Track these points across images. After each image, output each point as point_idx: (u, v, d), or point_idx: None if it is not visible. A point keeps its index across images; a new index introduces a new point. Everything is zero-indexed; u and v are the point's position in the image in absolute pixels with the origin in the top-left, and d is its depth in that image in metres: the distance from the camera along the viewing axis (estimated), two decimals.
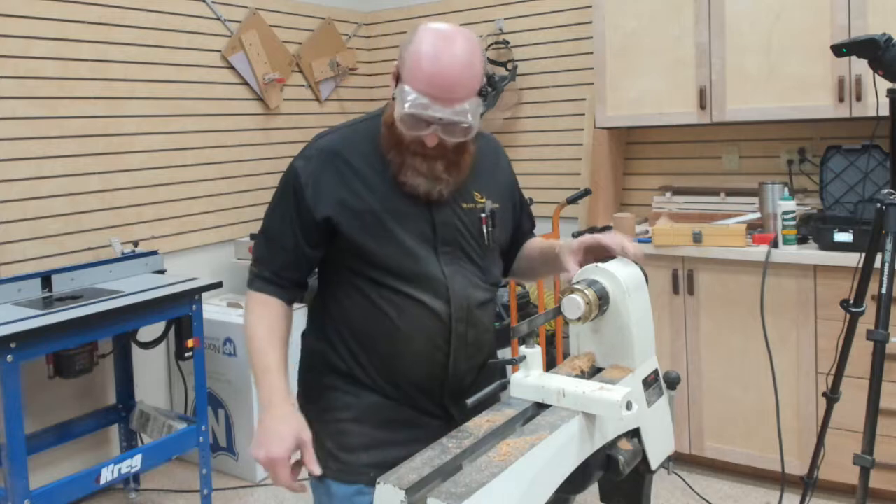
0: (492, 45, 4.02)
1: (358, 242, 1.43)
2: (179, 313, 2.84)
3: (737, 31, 3.04)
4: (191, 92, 3.53)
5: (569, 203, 3.34)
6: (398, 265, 1.43)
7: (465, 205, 1.50)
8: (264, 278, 1.48)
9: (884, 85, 2.11)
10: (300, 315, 1.51)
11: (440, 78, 1.33)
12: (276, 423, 1.34)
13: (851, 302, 2.21)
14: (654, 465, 1.37)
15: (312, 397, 1.54)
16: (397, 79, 1.39)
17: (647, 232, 3.24)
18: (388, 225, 1.43)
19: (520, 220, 1.70)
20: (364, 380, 1.49)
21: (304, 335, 1.61)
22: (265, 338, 1.44)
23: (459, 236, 1.49)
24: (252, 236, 3.56)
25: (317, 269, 1.55)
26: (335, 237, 1.45)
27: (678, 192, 3.54)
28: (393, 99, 1.40)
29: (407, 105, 1.33)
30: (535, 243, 1.73)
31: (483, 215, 1.53)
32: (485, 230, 1.52)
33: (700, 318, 3.02)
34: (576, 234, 3.27)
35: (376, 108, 1.54)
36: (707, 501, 2.90)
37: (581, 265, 1.43)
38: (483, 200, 1.53)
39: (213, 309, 3.35)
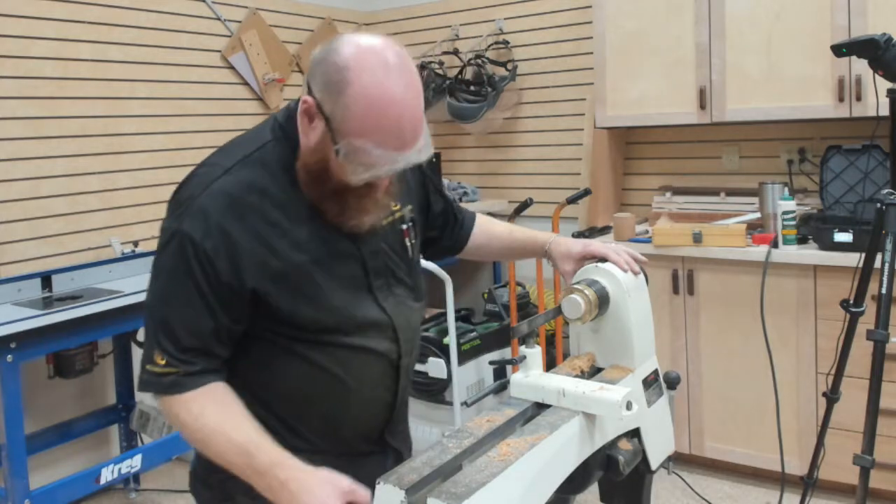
0: (492, 45, 4.02)
1: (287, 309, 1.19)
2: None
3: (737, 31, 3.04)
4: (191, 92, 3.53)
5: (569, 203, 3.34)
6: (336, 321, 1.22)
7: (383, 220, 1.29)
8: (187, 374, 1.15)
9: (884, 85, 2.11)
10: None
11: (403, 126, 1.10)
12: (310, 481, 1.06)
13: (851, 302, 2.21)
14: (654, 465, 1.37)
15: (229, 476, 1.16)
16: (324, 120, 1.12)
17: (647, 232, 3.24)
18: (318, 280, 1.20)
19: (430, 197, 1.49)
20: (299, 446, 1.21)
21: None
22: (229, 420, 1.14)
23: (388, 261, 1.31)
24: None
25: None
26: (258, 306, 1.19)
27: (678, 192, 3.54)
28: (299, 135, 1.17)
29: (375, 165, 1.11)
30: (502, 229, 1.60)
31: (404, 227, 1.35)
32: (408, 243, 1.35)
33: (700, 318, 3.02)
34: (576, 235, 3.27)
35: (258, 131, 1.26)
36: (707, 501, 2.90)
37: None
38: (398, 209, 1.34)
39: None
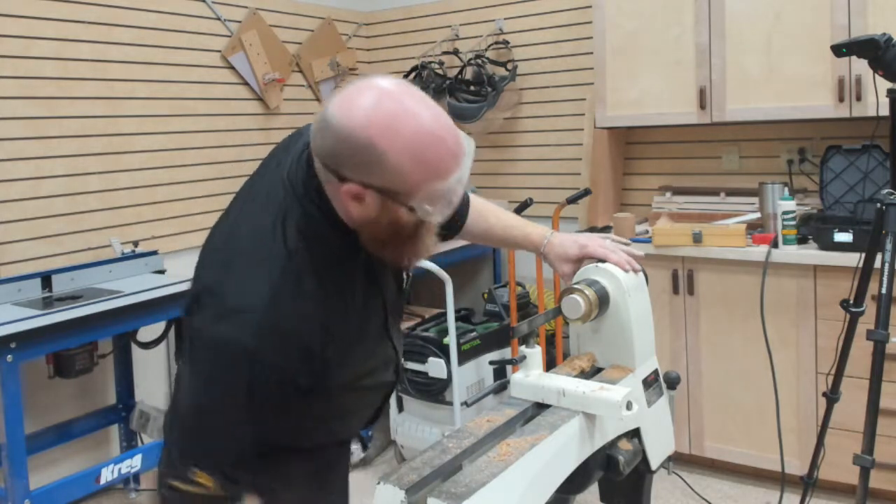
0: (492, 45, 4.02)
1: (321, 384, 1.14)
2: (179, 313, 2.83)
3: (737, 31, 3.04)
4: (191, 92, 3.53)
5: (569, 203, 3.34)
6: (358, 373, 1.22)
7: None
8: (227, 498, 1.09)
9: (884, 85, 2.11)
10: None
11: (448, 144, 1.05)
12: None
13: (851, 302, 2.21)
14: (654, 465, 1.37)
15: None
16: (378, 191, 1.04)
17: (647, 232, 3.24)
18: (355, 348, 1.18)
19: None
20: (284, 455, 1.23)
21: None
22: None
23: (398, 300, 1.31)
24: None
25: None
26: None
27: (678, 192, 3.54)
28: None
29: (448, 195, 1.06)
30: (496, 223, 1.56)
31: None
32: (405, 276, 1.34)
33: (700, 318, 3.02)
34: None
35: (288, 240, 1.11)
36: (707, 501, 2.90)
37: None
38: None
39: None
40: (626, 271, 1.37)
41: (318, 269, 1.11)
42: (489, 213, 1.58)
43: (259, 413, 1.07)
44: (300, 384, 1.09)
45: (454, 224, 1.55)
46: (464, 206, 1.56)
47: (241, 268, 1.10)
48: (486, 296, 3.69)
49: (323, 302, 1.10)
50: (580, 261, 1.43)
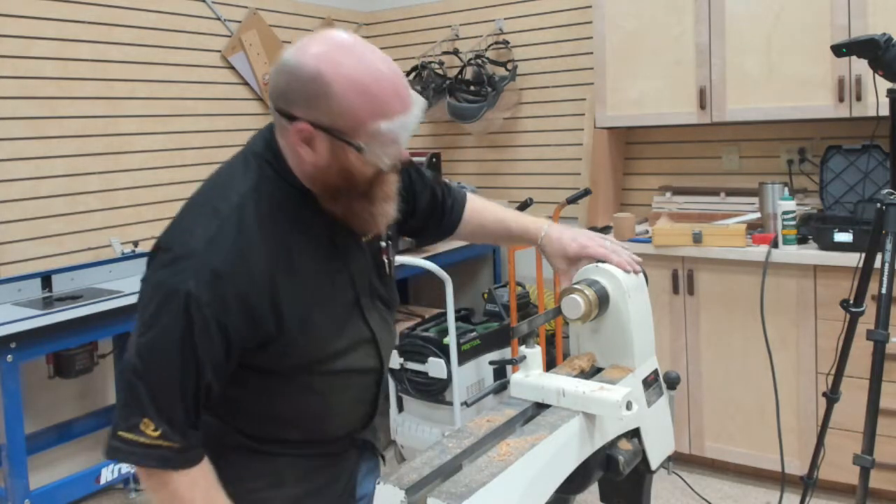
0: (492, 45, 4.02)
1: (281, 352, 1.15)
2: None
3: (737, 31, 3.04)
4: (191, 92, 3.53)
5: (569, 203, 3.34)
6: (328, 351, 1.21)
7: (363, 239, 1.27)
8: (180, 451, 1.09)
9: (884, 85, 2.11)
10: None
11: (397, 88, 1.10)
12: None
13: (851, 302, 2.21)
14: (654, 465, 1.37)
15: (218, 466, 1.20)
16: (326, 132, 1.09)
17: (647, 232, 3.24)
18: (317, 317, 1.18)
19: (415, 197, 1.47)
20: (274, 449, 1.26)
21: None
22: (208, 497, 1.13)
23: (371, 276, 1.30)
24: None
25: None
26: (253, 352, 1.15)
27: (678, 192, 3.54)
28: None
29: (396, 135, 1.10)
30: (492, 219, 1.54)
31: (383, 245, 1.33)
32: (385, 261, 1.34)
33: (700, 318, 3.02)
34: None
35: (241, 170, 1.17)
36: (707, 501, 2.90)
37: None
38: None
39: None
40: (628, 272, 1.36)
41: (266, 222, 1.13)
42: (484, 210, 1.57)
43: (200, 365, 1.07)
44: (245, 340, 1.10)
45: (450, 224, 1.55)
46: (459, 205, 1.56)
47: (188, 219, 1.14)
48: (486, 296, 3.70)
49: (267, 255, 1.11)
50: (579, 260, 1.41)
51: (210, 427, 1.20)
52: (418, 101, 1.14)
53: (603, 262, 1.38)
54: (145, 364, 1.08)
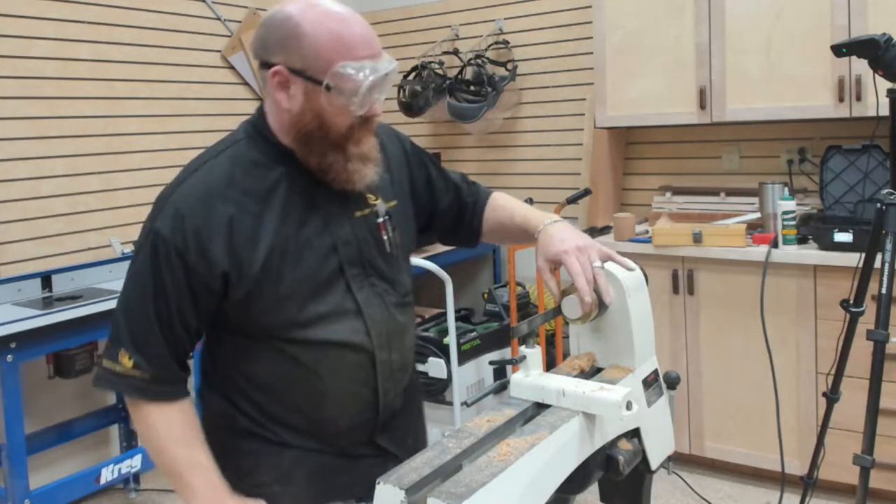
0: (492, 45, 4.02)
1: (253, 305, 1.21)
2: None
3: (737, 31, 3.04)
4: (191, 92, 3.53)
5: (569, 203, 3.34)
6: (306, 314, 1.23)
7: (357, 213, 1.30)
8: (151, 382, 1.19)
9: (884, 85, 2.11)
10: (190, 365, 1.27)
11: (365, 34, 1.19)
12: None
13: (851, 302, 2.21)
14: (654, 465, 1.37)
15: (224, 462, 1.27)
16: (299, 75, 1.17)
17: (647, 232, 3.24)
18: (285, 270, 1.21)
19: (435, 195, 1.49)
20: (282, 437, 1.29)
21: (199, 393, 1.38)
22: (183, 437, 1.20)
23: (365, 249, 1.30)
24: None
25: None
26: (226, 295, 1.21)
27: (678, 192, 3.54)
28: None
29: (364, 79, 1.16)
30: (505, 215, 1.51)
31: (379, 220, 1.33)
32: (385, 237, 1.34)
33: (700, 317, 3.02)
34: None
35: (231, 134, 1.32)
36: (707, 501, 2.90)
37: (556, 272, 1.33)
38: (376, 202, 1.34)
39: None
40: (583, 300, 1.26)
41: (236, 174, 1.22)
42: (501, 209, 1.53)
43: (166, 293, 1.18)
44: (204, 276, 1.18)
45: (472, 233, 1.53)
46: (479, 209, 1.53)
47: (177, 177, 1.26)
48: (486, 296, 3.70)
49: (230, 202, 1.20)
50: (560, 262, 1.32)
51: (219, 412, 1.30)
52: (389, 58, 1.21)
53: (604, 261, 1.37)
54: (124, 297, 1.22)
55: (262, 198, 1.22)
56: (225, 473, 1.24)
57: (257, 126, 1.28)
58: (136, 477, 3.14)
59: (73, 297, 2.69)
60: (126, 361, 1.19)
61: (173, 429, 1.20)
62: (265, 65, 1.20)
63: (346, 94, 1.17)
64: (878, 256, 2.10)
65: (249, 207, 1.21)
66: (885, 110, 2.14)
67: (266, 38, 1.20)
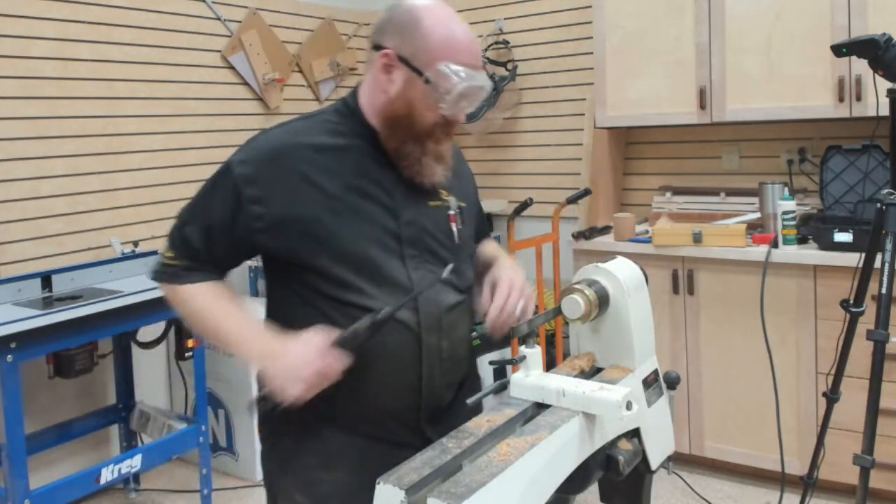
0: (492, 45, 4.02)
1: (305, 256, 1.28)
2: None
3: (737, 31, 3.04)
4: (191, 92, 3.53)
5: (569, 203, 3.34)
6: (356, 275, 1.28)
7: (431, 203, 1.38)
8: (185, 269, 1.33)
9: (884, 85, 2.11)
10: None
11: (473, 46, 1.31)
12: (292, 353, 1.22)
13: (851, 302, 2.21)
14: (654, 465, 1.37)
15: (274, 441, 1.38)
16: (405, 63, 1.27)
17: (647, 232, 3.24)
18: (340, 235, 1.28)
19: (478, 226, 1.60)
20: (330, 409, 1.31)
21: (257, 375, 1.41)
22: (217, 302, 1.32)
23: (427, 236, 1.36)
24: None
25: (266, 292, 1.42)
26: (280, 248, 1.30)
27: (678, 192, 3.54)
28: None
29: (459, 82, 1.25)
30: (484, 248, 1.59)
31: (451, 212, 1.41)
32: (454, 228, 1.40)
33: (700, 317, 3.02)
34: (576, 235, 3.27)
35: (314, 111, 1.43)
36: (707, 501, 2.90)
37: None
38: (449, 197, 1.42)
39: None
40: (495, 330, 1.35)
41: (315, 136, 1.33)
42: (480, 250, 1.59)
43: (218, 207, 1.30)
44: (251, 216, 1.28)
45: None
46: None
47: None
48: None
49: (304, 158, 1.29)
50: (490, 285, 1.40)
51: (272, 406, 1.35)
52: (486, 77, 1.33)
53: (604, 261, 1.38)
54: (184, 207, 1.37)
55: (333, 164, 1.31)
56: (273, 454, 1.37)
57: (348, 102, 1.38)
58: (136, 477, 3.14)
59: (73, 297, 2.69)
60: (168, 253, 1.35)
61: (207, 297, 1.32)
62: (377, 46, 1.31)
63: (440, 92, 1.27)
64: (878, 256, 2.10)
65: (318, 169, 1.29)
66: (885, 110, 2.15)
67: (385, 22, 1.31)
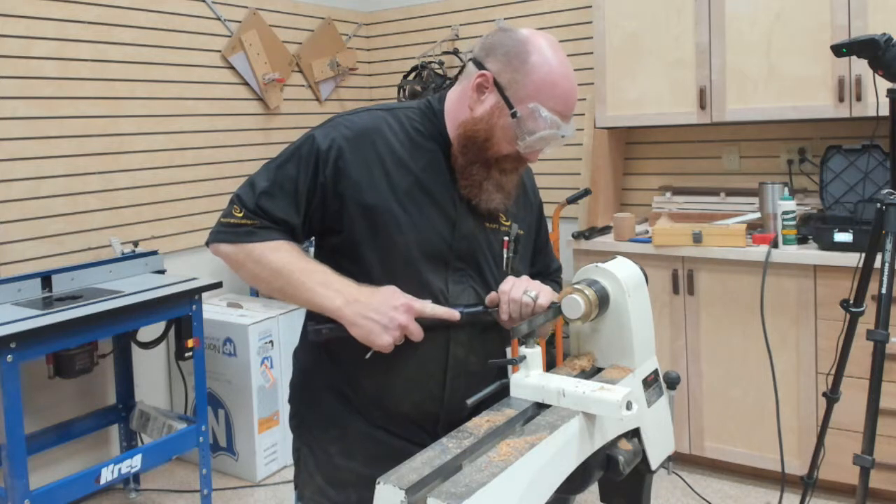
0: None
1: (357, 241, 1.32)
2: (179, 313, 2.84)
3: (737, 31, 3.04)
4: (191, 92, 3.53)
5: (569, 203, 3.34)
6: (394, 275, 1.31)
7: (489, 224, 1.40)
8: (258, 227, 1.32)
9: (884, 85, 2.11)
10: (293, 331, 1.38)
11: (571, 96, 1.31)
12: (377, 299, 1.25)
13: (851, 302, 2.21)
14: (654, 465, 1.37)
15: (306, 422, 1.44)
16: (499, 90, 1.29)
17: (647, 232, 3.24)
18: (397, 229, 1.31)
19: (534, 259, 1.57)
20: (355, 401, 1.38)
21: (295, 353, 1.51)
22: (293, 256, 1.31)
23: (478, 254, 1.38)
24: None
25: None
26: (343, 227, 1.33)
27: (678, 192, 3.54)
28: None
29: (545, 128, 1.27)
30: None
31: (506, 238, 1.43)
32: (505, 254, 1.42)
33: (700, 318, 3.02)
34: (576, 235, 3.27)
35: (394, 104, 1.45)
36: (707, 501, 2.90)
37: None
38: (508, 224, 1.43)
39: (213, 309, 3.35)
40: (504, 319, 1.35)
41: (395, 129, 1.35)
42: None
43: (296, 173, 1.32)
44: (325, 187, 1.31)
45: None
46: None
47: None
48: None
49: (382, 146, 1.32)
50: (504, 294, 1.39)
51: (304, 369, 1.44)
52: (573, 127, 1.33)
53: (604, 261, 1.38)
54: (260, 169, 1.37)
55: (406, 160, 1.33)
56: (303, 432, 1.42)
57: (433, 104, 1.40)
58: (136, 477, 3.14)
59: (73, 297, 2.69)
60: (237, 213, 1.33)
61: (287, 252, 1.31)
62: (479, 64, 1.32)
63: (523, 130, 1.28)
64: (878, 256, 2.10)
65: (392, 160, 1.32)
66: (885, 110, 2.15)
67: (495, 44, 1.31)
